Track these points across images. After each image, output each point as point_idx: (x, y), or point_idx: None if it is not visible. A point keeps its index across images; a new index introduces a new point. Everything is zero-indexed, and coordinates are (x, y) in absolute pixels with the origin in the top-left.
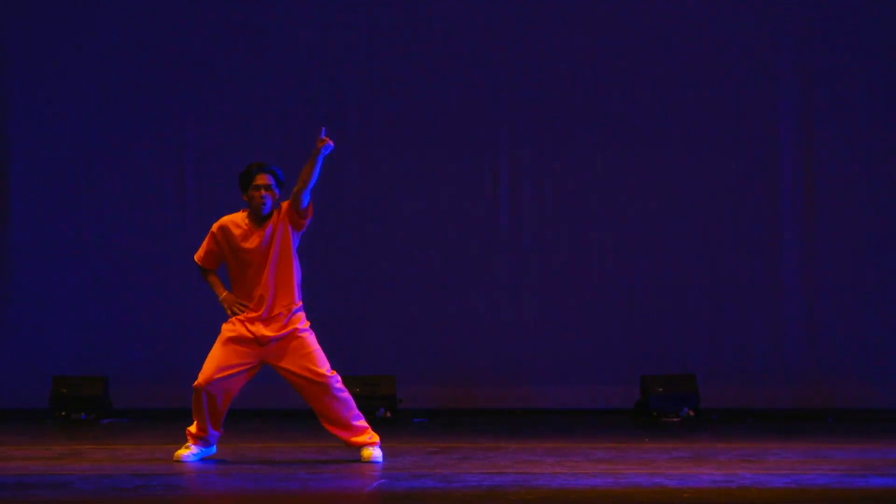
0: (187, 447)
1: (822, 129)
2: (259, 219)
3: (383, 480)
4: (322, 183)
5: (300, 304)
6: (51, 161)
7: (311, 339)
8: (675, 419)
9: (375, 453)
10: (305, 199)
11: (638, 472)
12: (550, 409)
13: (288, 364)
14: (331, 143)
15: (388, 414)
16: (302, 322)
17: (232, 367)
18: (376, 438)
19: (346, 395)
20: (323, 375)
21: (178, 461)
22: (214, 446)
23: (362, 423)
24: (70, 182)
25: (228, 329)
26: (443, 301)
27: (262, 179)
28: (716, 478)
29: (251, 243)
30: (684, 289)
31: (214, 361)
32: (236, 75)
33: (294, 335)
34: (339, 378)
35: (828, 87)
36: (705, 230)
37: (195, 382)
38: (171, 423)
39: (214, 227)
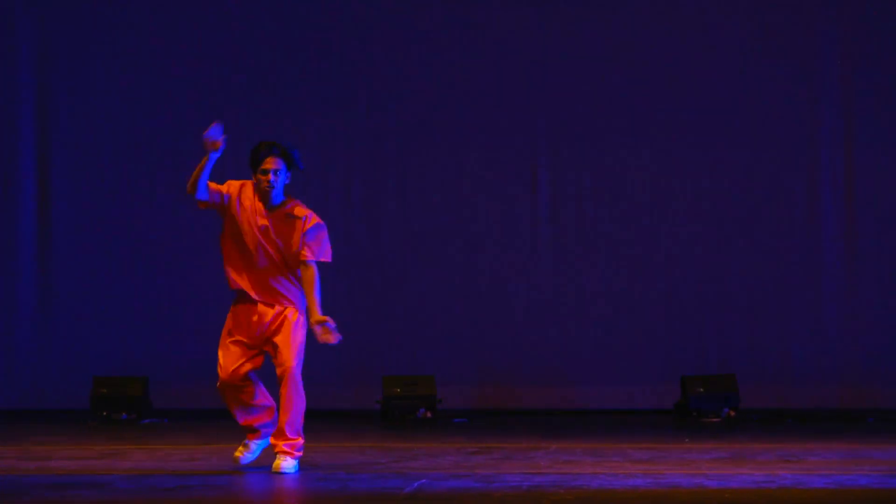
0: (245, 445)
1: (862, 129)
2: (267, 205)
3: (424, 481)
4: (362, 182)
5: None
6: (92, 162)
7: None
8: (716, 419)
9: (284, 464)
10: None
11: (678, 472)
12: (590, 410)
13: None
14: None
15: (428, 414)
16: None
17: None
18: (289, 451)
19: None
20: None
21: (236, 462)
22: (269, 438)
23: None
24: (111, 183)
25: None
26: (483, 301)
27: (271, 163)
28: (756, 478)
29: (252, 226)
30: (725, 289)
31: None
32: (278, 72)
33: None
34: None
35: (868, 83)
36: (746, 230)
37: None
38: (211, 424)
39: (237, 183)
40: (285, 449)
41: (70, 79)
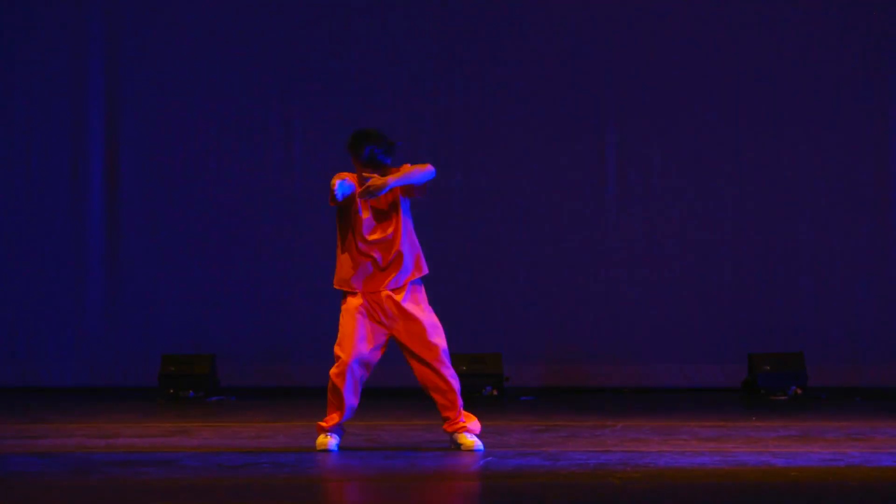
0: (326, 436)
1: None
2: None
3: (490, 458)
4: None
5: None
6: (159, 142)
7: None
8: (783, 397)
9: (472, 439)
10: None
11: (746, 450)
12: (657, 388)
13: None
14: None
15: (495, 392)
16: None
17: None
18: (469, 420)
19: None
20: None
21: (324, 450)
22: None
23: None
24: (178, 163)
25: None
26: (550, 279)
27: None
28: (824, 456)
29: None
30: (792, 266)
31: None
32: (343, 58)
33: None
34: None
35: None
36: (813, 208)
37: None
38: (278, 402)
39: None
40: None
41: (138, 71)
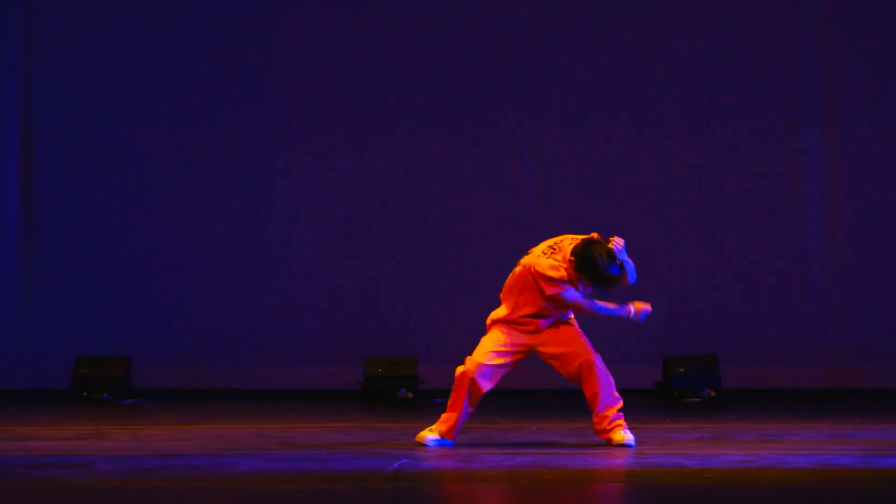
0: (431, 430)
1: (845, 119)
2: None
3: (405, 461)
4: (348, 169)
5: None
6: (74, 144)
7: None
8: (697, 399)
9: (627, 437)
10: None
11: (659, 452)
12: (572, 390)
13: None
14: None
15: (410, 394)
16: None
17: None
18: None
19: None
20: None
21: (421, 443)
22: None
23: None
24: (93, 165)
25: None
26: (467, 281)
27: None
28: (737, 458)
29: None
30: (706, 269)
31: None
32: (266, 64)
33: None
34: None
35: (852, 74)
36: (730, 210)
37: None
38: (193, 404)
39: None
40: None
41: (56, 69)
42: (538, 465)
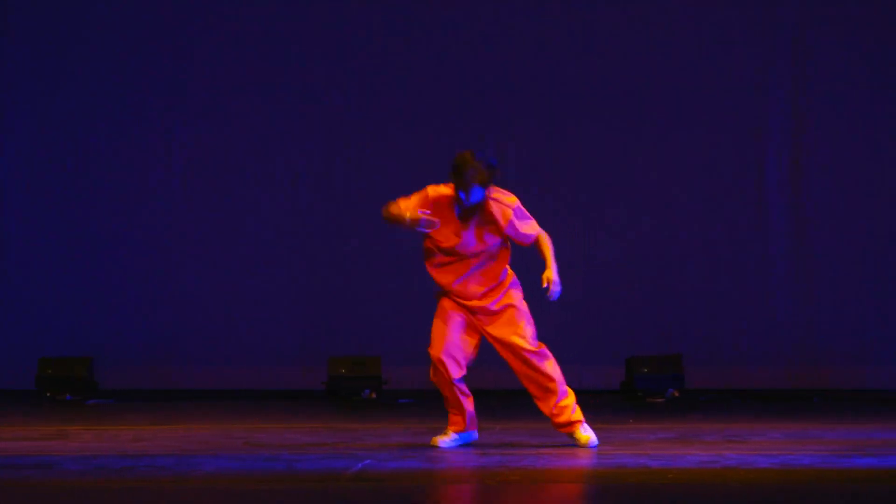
0: (444, 434)
1: (809, 118)
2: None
3: (369, 461)
4: (313, 171)
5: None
6: (40, 141)
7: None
8: (661, 400)
9: (587, 435)
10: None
11: (623, 452)
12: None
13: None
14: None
15: (374, 395)
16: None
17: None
18: (578, 417)
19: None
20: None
21: (435, 445)
22: (475, 432)
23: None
24: (59, 165)
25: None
26: (427, 284)
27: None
28: (701, 458)
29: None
30: (670, 269)
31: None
32: (228, 68)
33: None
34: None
35: (817, 76)
36: (693, 211)
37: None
38: (157, 405)
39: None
40: (566, 420)
41: (22, 72)
42: (503, 466)
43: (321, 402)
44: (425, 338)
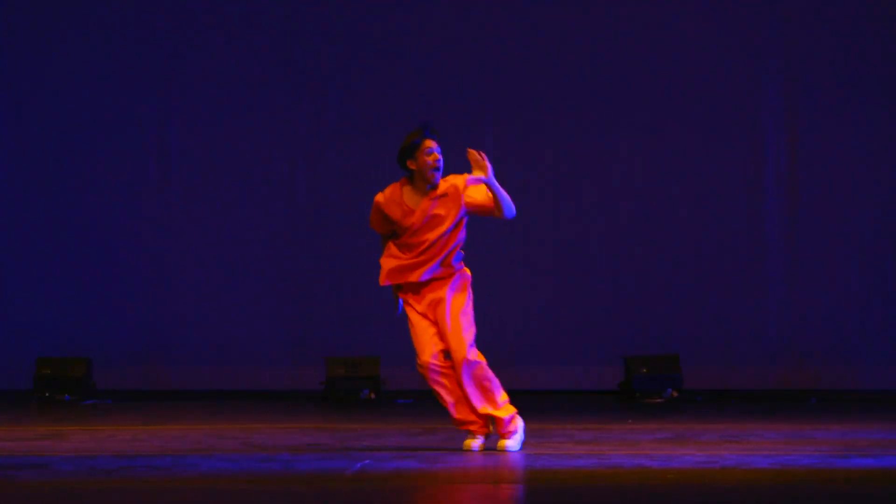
0: (474, 437)
1: (805, 114)
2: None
3: (368, 461)
4: (306, 170)
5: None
6: (33, 144)
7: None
8: (659, 400)
9: (508, 443)
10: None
11: (621, 452)
12: (534, 391)
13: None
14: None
15: (372, 395)
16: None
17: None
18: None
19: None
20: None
21: (469, 450)
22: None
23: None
24: (53, 165)
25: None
26: None
27: (432, 143)
28: (699, 458)
29: (413, 219)
30: (668, 270)
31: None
32: (220, 69)
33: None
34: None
35: (812, 69)
36: (689, 210)
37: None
38: (155, 405)
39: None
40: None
41: (12, 72)
42: (503, 466)
43: (319, 402)
44: None
